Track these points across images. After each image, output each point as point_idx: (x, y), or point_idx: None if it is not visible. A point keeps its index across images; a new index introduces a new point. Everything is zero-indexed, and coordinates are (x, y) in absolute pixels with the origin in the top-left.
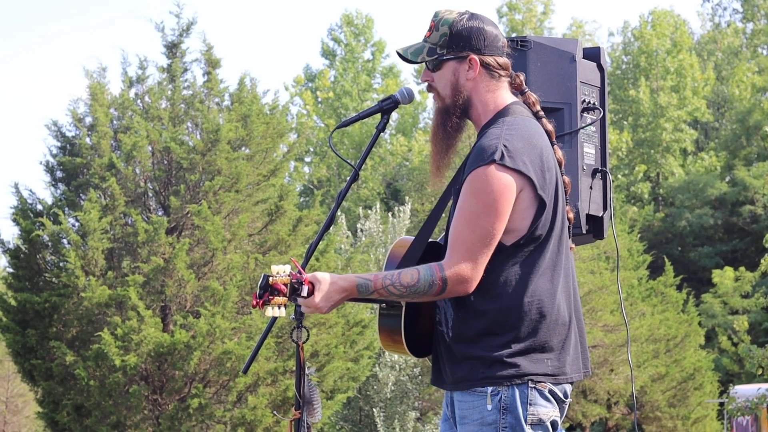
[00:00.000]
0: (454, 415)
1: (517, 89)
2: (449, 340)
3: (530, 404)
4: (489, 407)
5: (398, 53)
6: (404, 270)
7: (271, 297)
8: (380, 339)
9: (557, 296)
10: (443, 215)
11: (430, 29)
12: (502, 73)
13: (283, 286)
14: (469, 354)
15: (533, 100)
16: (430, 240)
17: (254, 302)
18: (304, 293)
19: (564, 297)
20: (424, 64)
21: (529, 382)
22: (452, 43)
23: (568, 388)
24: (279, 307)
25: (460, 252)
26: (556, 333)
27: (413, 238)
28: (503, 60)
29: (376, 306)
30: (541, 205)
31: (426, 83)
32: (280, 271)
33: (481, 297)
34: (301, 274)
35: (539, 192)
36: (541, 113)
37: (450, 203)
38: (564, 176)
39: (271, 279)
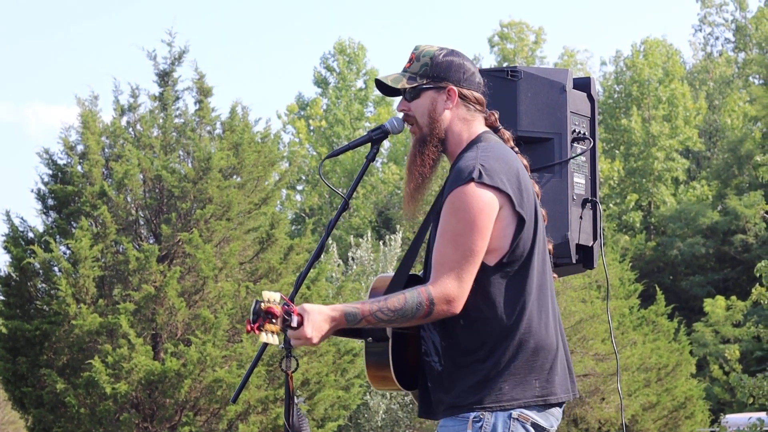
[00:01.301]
0: None
1: (491, 126)
2: (441, 368)
3: None
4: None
5: (377, 82)
6: (390, 295)
7: (264, 322)
8: (368, 375)
9: (545, 318)
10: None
11: (410, 60)
12: (478, 107)
13: (276, 310)
14: (460, 381)
15: (507, 136)
16: (410, 273)
17: (248, 327)
18: (294, 324)
19: (552, 317)
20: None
21: (513, 411)
22: (432, 73)
23: (557, 411)
24: (273, 335)
25: (444, 271)
26: (545, 355)
27: (392, 274)
28: (479, 96)
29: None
30: (520, 222)
31: (402, 112)
32: (271, 298)
33: (470, 322)
34: (289, 305)
35: (517, 209)
36: (516, 149)
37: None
38: (542, 209)
39: (263, 304)
